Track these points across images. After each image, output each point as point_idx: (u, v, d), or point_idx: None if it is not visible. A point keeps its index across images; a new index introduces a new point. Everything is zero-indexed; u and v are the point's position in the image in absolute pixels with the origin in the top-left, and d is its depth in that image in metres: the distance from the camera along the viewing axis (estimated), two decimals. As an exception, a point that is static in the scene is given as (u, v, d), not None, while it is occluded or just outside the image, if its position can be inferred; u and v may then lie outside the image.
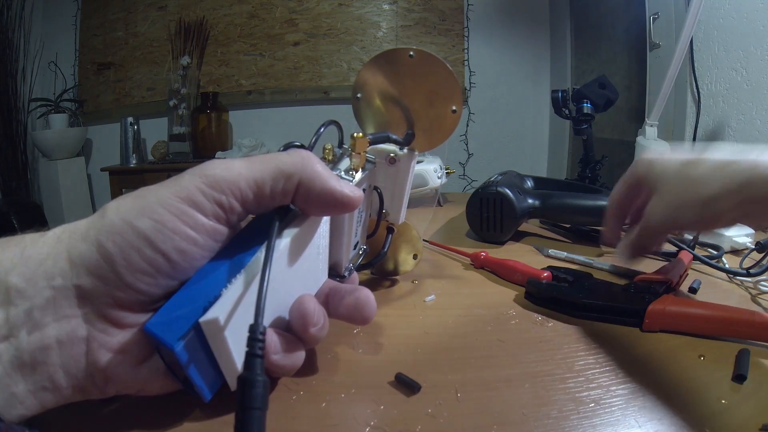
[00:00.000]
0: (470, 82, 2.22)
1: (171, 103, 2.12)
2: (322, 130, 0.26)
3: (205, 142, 2.11)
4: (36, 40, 2.14)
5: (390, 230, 0.37)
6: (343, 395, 0.24)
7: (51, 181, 2.05)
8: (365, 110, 0.34)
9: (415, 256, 0.42)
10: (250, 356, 0.18)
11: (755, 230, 0.53)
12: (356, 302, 0.25)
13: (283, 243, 0.22)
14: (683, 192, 0.30)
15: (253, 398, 0.17)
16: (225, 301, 0.19)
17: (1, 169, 2.04)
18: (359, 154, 0.27)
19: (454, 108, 0.33)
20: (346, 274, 0.30)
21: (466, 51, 2.21)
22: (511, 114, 2.28)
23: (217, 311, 0.19)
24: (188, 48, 2.15)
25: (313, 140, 0.26)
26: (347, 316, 0.26)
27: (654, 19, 1.29)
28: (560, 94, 0.83)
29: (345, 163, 0.27)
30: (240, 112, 2.23)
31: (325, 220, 0.25)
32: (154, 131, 2.20)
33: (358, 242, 0.32)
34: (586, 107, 0.79)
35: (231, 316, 0.19)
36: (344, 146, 0.28)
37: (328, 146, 0.27)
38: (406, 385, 0.25)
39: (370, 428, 0.22)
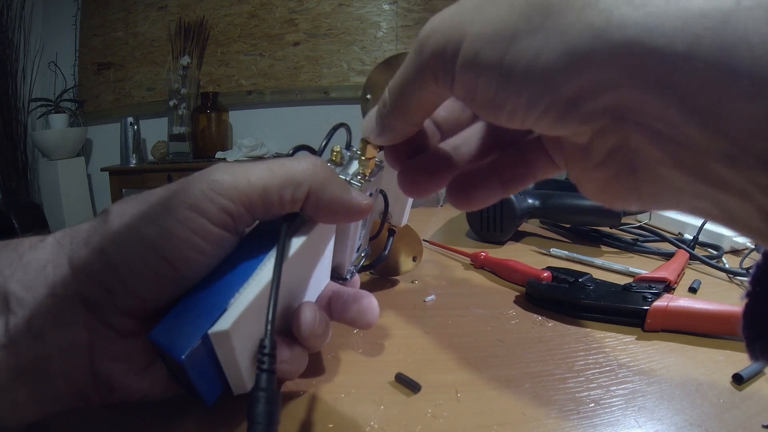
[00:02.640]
0: (470, 82, 2.22)
1: (171, 103, 2.12)
2: (333, 134, 0.26)
3: (205, 142, 2.11)
4: (36, 40, 2.15)
5: (391, 232, 0.37)
6: (343, 395, 0.24)
7: (51, 181, 2.05)
8: None
9: (414, 258, 0.42)
10: (262, 372, 0.17)
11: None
12: (359, 308, 0.25)
13: (291, 251, 0.21)
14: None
15: (265, 414, 0.16)
16: (234, 311, 0.19)
17: (1, 169, 2.04)
18: (369, 159, 0.26)
19: None
20: (348, 276, 0.30)
21: (466, 51, 2.20)
22: (511, 114, 2.28)
23: (226, 322, 0.18)
24: (188, 48, 2.15)
25: (323, 144, 0.25)
26: (350, 320, 0.26)
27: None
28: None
29: (353, 166, 0.26)
30: (240, 112, 2.23)
31: (333, 226, 0.25)
32: (154, 131, 2.20)
33: (361, 244, 0.32)
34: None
35: (239, 327, 0.19)
36: (352, 148, 0.27)
37: (337, 149, 0.26)
38: (406, 385, 0.25)
39: (370, 428, 0.22)
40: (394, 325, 0.33)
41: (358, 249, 0.31)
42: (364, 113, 0.34)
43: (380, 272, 0.43)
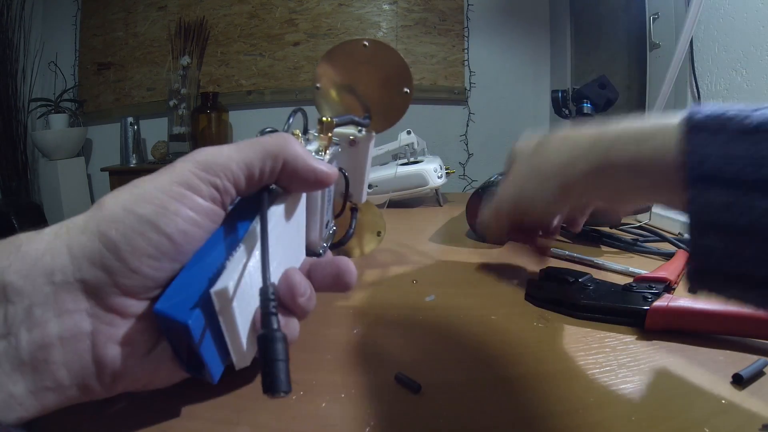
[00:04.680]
0: (470, 82, 2.22)
1: (171, 103, 2.12)
2: (291, 120, 0.29)
3: (205, 142, 2.11)
4: (36, 40, 2.14)
5: (354, 210, 0.39)
6: (343, 395, 0.24)
7: (51, 181, 2.05)
8: (324, 98, 0.37)
9: (379, 233, 0.43)
10: (267, 315, 0.19)
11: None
12: (338, 270, 0.27)
13: (273, 216, 0.23)
14: (530, 166, 0.30)
15: (276, 351, 0.18)
16: (230, 271, 0.20)
17: (1, 169, 2.04)
18: (326, 136, 0.29)
19: (406, 89, 0.35)
20: (321, 252, 0.32)
21: (466, 51, 2.20)
22: (511, 114, 2.28)
23: (226, 281, 0.20)
24: (188, 48, 2.15)
25: (286, 127, 0.28)
26: (330, 285, 0.27)
27: (654, 19, 1.29)
28: (560, 95, 0.82)
29: (314, 145, 0.30)
30: (240, 112, 2.23)
31: (303, 199, 0.27)
32: (154, 131, 2.20)
33: (329, 221, 0.34)
34: (586, 107, 0.79)
35: (237, 287, 0.20)
36: (310, 132, 0.31)
37: (296, 132, 0.28)
38: (406, 385, 0.25)
39: (370, 428, 0.22)
40: (394, 325, 0.33)
41: (327, 225, 0.33)
42: (316, 102, 0.38)
43: (347, 252, 0.44)
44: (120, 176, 2.04)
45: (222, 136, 2.15)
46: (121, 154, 2.12)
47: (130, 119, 2.09)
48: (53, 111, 2.08)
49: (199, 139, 2.12)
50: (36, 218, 1.73)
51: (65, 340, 0.18)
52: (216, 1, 2.16)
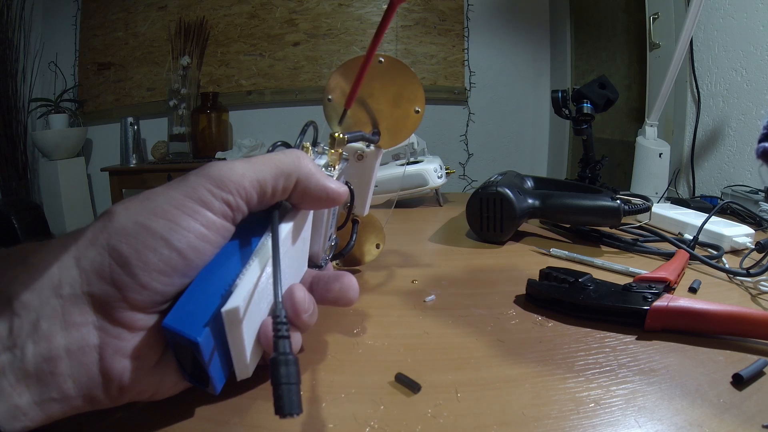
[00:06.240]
0: (470, 82, 2.22)
1: (171, 103, 2.11)
2: (303, 134, 0.29)
3: (205, 142, 2.11)
4: (36, 40, 2.14)
5: (355, 222, 0.39)
6: (343, 395, 0.24)
7: (51, 181, 2.04)
8: (335, 111, 0.36)
9: (378, 246, 0.43)
10: (279, 339, 0.19)
11: None
12: (341, 287, 0.27)
13: (281, 233, 0.23)
14: None
15: (288, 375, 0.18)
16: (241, 290, 0.20)
17: (1, 169, 2.04)
18: (337, 151, 0.29)
19: (417, 109, 0.35)
20: (323, 264, 0.32)
21: (466, 51, 2.21)
22: (511, 114, 2.28)
23: (236, 300, 0.20)
24: (188, 48, 2.15)
25: (298, 141, 0.28)
26: (333, 299, 0.27)
27: (654, 19, 1.29)
28: (560, 94, 0.82)
29: (323, 159, 0.30)
30: (240, 112, 2.23)
31: (310, 214, 0.27)
32: (154, 131, 2.20)
33: (331, 234, 0.34)
34: (586, 107, 0.79)
35: (247, 305, 0.20)
36: (320, 144, 0.31)
37: (306, 144, 0.28)
38: (406, 385, 0.25)
39: (370, 428, 0.22)
40: (394, 325, 0.33)
41: (330, 238, 0.34)
42: (326, 114, 0.37)
43: (346, 262, 0.44)
44: (120, 176, 2.04)
45: (222, 136, 2.15)
46: (121, 154, 2.12)
47: (130, 119, 2.09)
48: (53, 111, 2.08)
49: (199, 139, 2.12)
50: (36, 218, 1.72)
51: (72, 353, 0.18)
52: (216, 1, 2.16)
